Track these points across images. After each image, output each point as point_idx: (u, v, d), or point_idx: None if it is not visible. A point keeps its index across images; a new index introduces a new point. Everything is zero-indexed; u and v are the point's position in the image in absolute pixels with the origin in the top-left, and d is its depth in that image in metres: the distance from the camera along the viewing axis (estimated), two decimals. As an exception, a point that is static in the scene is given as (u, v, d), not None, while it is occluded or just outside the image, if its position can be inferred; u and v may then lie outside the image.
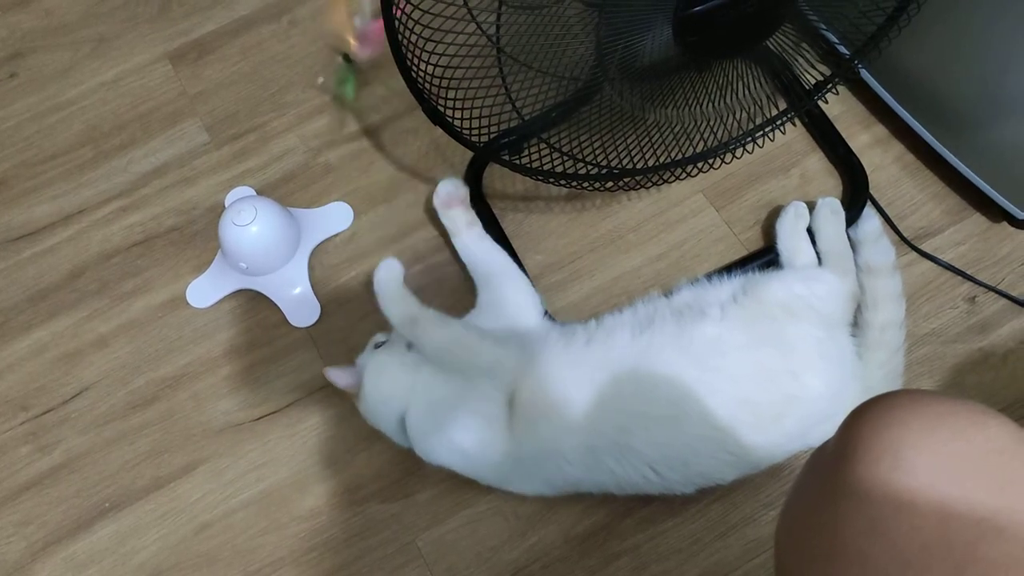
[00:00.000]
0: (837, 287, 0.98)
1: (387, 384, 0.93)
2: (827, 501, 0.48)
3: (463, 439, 0.90)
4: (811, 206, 1.07)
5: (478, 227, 1.08)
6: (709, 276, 0.99)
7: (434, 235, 1.14)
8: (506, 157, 0.99)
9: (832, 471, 0.48)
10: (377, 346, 0.96)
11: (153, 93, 1.26)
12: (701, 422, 0.87)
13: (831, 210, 1.05)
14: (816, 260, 1.04)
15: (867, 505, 0.45)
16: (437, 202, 1.08)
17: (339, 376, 0.96)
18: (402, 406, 0.92)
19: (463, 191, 1.08)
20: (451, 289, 1.09)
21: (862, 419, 0.48)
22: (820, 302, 0.94)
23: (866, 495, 0.45)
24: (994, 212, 1.10)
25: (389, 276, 0.94)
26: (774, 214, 1.12)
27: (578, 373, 0.90)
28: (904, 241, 1.10)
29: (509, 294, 1.02)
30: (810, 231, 1.06)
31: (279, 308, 1.09)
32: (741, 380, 0.89)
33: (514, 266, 1.05)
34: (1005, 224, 1.10)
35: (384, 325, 0.95)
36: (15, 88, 1.27)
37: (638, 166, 0.98)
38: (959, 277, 1.08)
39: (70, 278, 1.14)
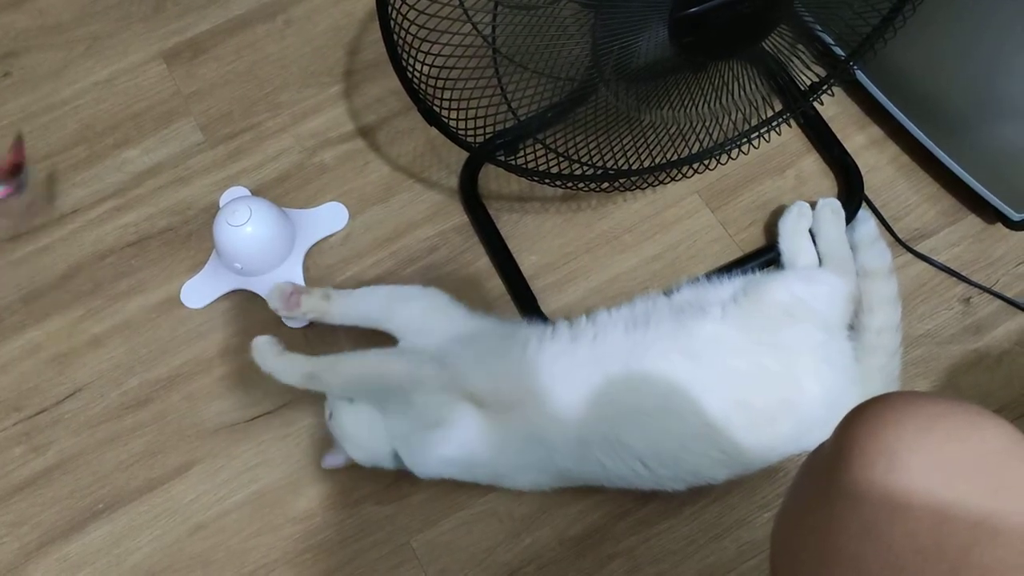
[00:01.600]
0: (838, 289, 0.97)
1: (362, 440, 0.93)
2: (822, 503, 0.48)
3: (444, 450, 0.90)
4: (810, 206, 1.07)
5: (333, 290, 1.01)
6: (709, 276, 0.98)
7: (429, 235, 1.14)
8: (502, 158, 0.98)
9: (827, 473, 0.48)
10: (330, 416, 0.95)
11: (147, 92, 1.26)
12: (693, 419, 0.87)
13: (832, 210, 1.05)
14: (817, 261, 1.04)
15: (862, 508, 0.45)
16: (283, 312, 1.00)
17: (334, 460, 0.97)
18: (387, 447, 0.93)
19: (289, 285, 1.00)
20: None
21: (857, 421, 0.48)
22: (821, 304, 0.94)
23: (861, 497, 0.45)
24: (989, 213, 1.10)
25: (265, 350, 0.93)
26: (770, 215, 1.12)
27: (564, 366, 0.90)
28: (899, 242, 1.10)
29: (416, 311, 0.99)
30: (810, 232, 1.06)
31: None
32: (738, 380, 0.89)
33: (394, 287, 1.04)
34: (1000, 225, 1.10)
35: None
36: (9, 87, 1.27)
37: (633, 167, 0.98)
38: (954, 278, 1.08)
39: (64, 278, 1.13)
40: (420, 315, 0.99)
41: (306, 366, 0.91)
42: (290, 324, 1.06)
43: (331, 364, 0.92)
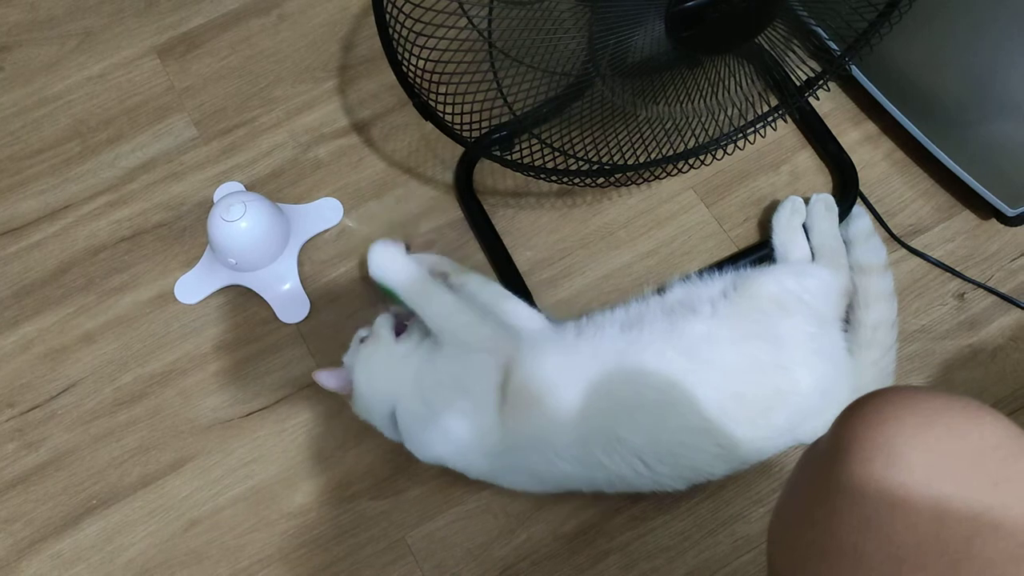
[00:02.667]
0: (829, 282, 0.98)
1: (378, 377, 0.93)
2: (821, 498, 0.48)
3: (455, 425, 0.89)
4: (804, 202, 1.07)
5: (450, 265, 1.04)
6: (701, 273, 0.99)
7: (424, 231, 1.13)
8: (497, 153, 0.98)
9: (826, 468, 0.48)
10: (362, 341, 0.96)
11: (141, 87, 1.25)
12: (690, 414, 0.87)
13: (825, 206, 1.06)
14: (811, 255, 1.04)
15: (861, 502, 0.45)
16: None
17: (328, 378, 0.95)
18: (392, 399, 0.92)
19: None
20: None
21: (856, 415, 0.48)
22: (812, 297, 0.94)
23: (860, 492, 0.45)
24: (983, 209, 1.10)
25: (387, 249, 0.98)
26: (764, 210, 1.12)
27: (568, 364, 0.90)
28: (894, 238, 1.10)
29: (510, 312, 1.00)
30: (804, 227, 1.06)
31: (268, 304, 1.09)
32: (730, 373, 0.89)
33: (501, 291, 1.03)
34: (994, 221, 1.11)
35: (371, 320, 0.94)
36: (1, 82, 1.26)
37: (629, 162, 0.98)
38: (948, 274, 1.08)
39: (56, 274, 1.13)
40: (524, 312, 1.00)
41: (424, 273, 0.97)
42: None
43: (442, 290, 0.96)
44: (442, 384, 0.91)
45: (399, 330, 0.96)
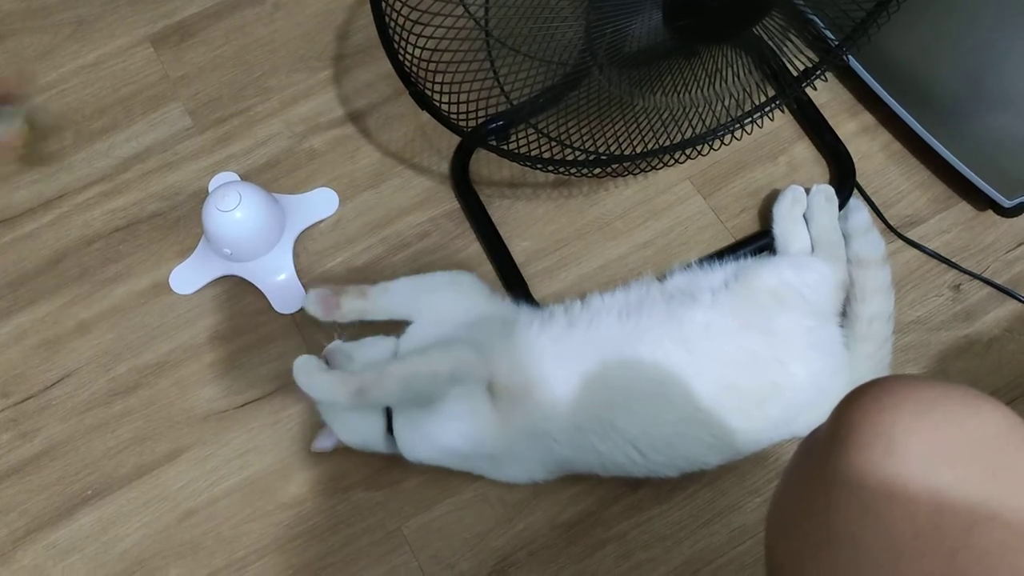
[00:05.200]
0: (828, 276, 0.98)
1: (354, 424, 0.93)
2: (819, 487, 0.48)
3: (452, 437, 0.90)
4: (805, 192, 1.07)
5: (370, 287, 0.97)
6: (701, 262, 0.98)
7: (420, 221, 1.13)
8: (493, 142, 0.98)
9: (824, 457, 0.48)
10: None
11: (135, 76, 1.24)
12: (685, 403, 0.87)
13: (825, 197, 1.05)
14: (810, 247, 1.04)
15: (860, 491, 0.45)
16: (323, 317, 0.96)
17: (325, 442, 0.96)
18: (379, 426, 0.91)
19: (327, 289, 0.96)
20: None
21: (854, 404, 0.48)
22: (810, 291, 0.94)
23: (859, 481, 0.45)
24: (980, 200, 1.10)
25: (309, 369, 0.87)
26: (761, 201, 1.12)
27: (562, 351, 0.90)
28: (890, 229, 1.10)
29: (448, 298, 0.97)
30: (804, 217, 1.06)
31: (263, 294, 1.08)
32: (726, 364, 0.89)
33: (431, 275, 0.99)
34: (990, 212, 1.11)
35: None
36: (-6, 71, 1.25)
37: (626, 152, 0.98)
38: (944, 265, 1.08)
39: (51, 264, 1.12)
40: (455, 302, 0.97)
41: (354, 383, 0.86)
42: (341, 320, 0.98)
43: (378, 376, 0.86)
44: (424, 412, 0.89)
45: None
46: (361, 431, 0.93)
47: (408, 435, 0.91)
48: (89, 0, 1.30)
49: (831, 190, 1.06)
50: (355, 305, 0.95)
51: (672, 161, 1.01)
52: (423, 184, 1.16)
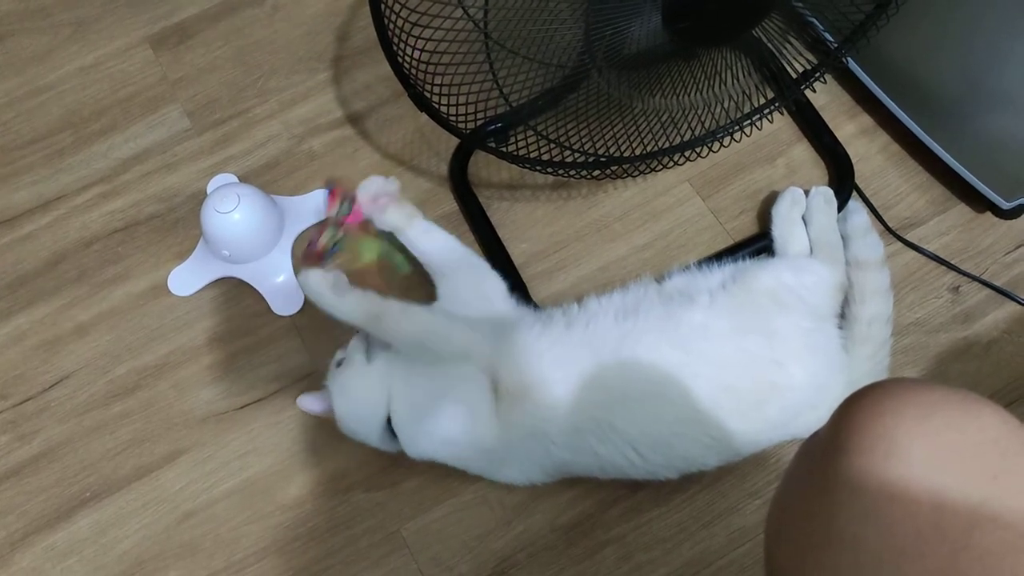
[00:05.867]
0: (826, 278, 0.98)
1: (358, 399, 0.91)
2: (820, 490, 0.48)
3: (453, 429, 0.89)
4: (804, 193, 1.07)
5: (420, 218, 1.00)
6: (700, 263, 0.99)
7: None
8: (492, 144, 0.98)
9: (825, 460, 0.48)
10: (339, 364, 0.93)
11: (133, 78, 1.24)
12: (683, 405, 0.87)
13: (824, 199, 1.05)
14: (809, 249, 1.04)
15: (861, 494, 0.45)
16: (367, 207, 0.96)
17: (312, 403, 0.94)
18: (381, 413, 0.90)
19: (392, 186, 0.99)
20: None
21: (855, 407, 0.48)
22: (809, 292, 0.94)
23: (860, 484, 0.45)
24: (978, 202, 1.10)
25: (321, 285, 0.86)
26: (760, 203, 1.12)
27: (560, 354, 0.90)
28: (889, 231, 1.10)
29: (471, 281, 0.99)
30: (803, 218, 1.06)
31: (262, 296, 1.08)
32: (724, 366, 0.89)
33: (471, 253, 1.02)
34: (989, 214, 1.11)
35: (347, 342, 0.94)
36: (-8, 72, 1.25)
37: (625, 154, 0.98)
38: (943, 267, 1.08)
39: (49, 265, 1.12)
40: (475, 289, 0.98)
41: (373, 305, 0.87)
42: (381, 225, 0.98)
43: (401, 311, 0.88)
44: (433, 393, 0.90)
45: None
46: (362, 412, 0.91)
47: (408, 425, 0.91)
48: (88, 2, 1.30)
49: (830, 192, 1.06)
50: (399, 220, 0.98)
51: (671, 163, 1.01)
52: (422, 186, 1.16)
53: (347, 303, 0.87)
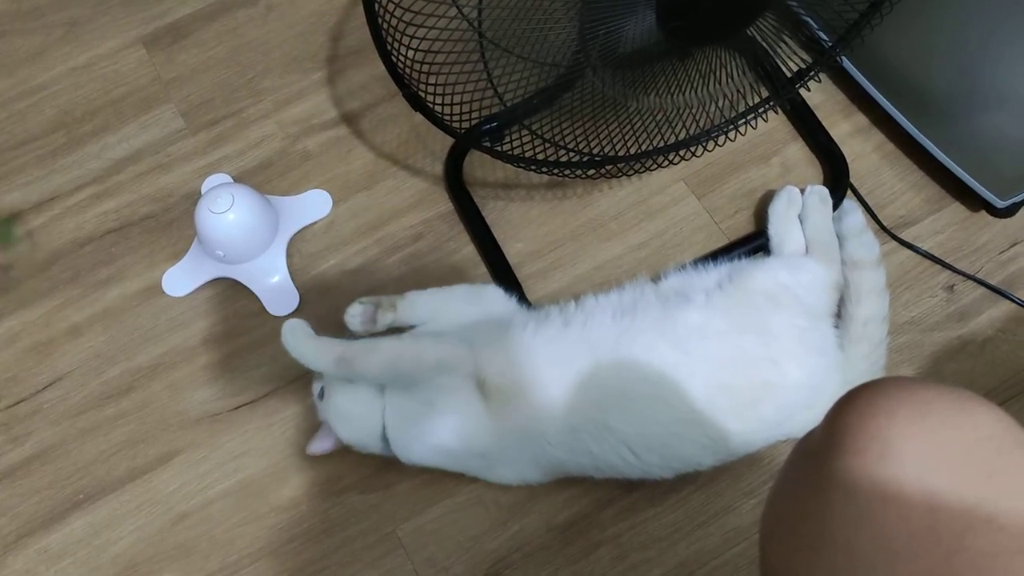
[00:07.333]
0: (822, 277, 0.98)
1: (356, 420, 0.92)
2: (814, 490, 0.48)
3: (444, 437, 0.89)
4: (800, 192, 1.07)
5: (403, 299, 0.99)
6: (696, 262, 0.98)
7: (414, 223, 1.13)
8: (487, 144, 0.98)
9: (819, 460, 0.48)
10: (320, 394, 0.93)
11: (127, 78, 1.24)
12: (679, 404, 0.87)
13: (819, 198, 1.05)
14: (805, 247, 1.04)
15: (854, 495, 0.45)
16: (361, 329, 0.98)
17: (321, 444, 0.96)
18: (378, 426, 0.91)
19: (369, 307, 0.98)
20: (433, 277, 1.08)
21: (848, 407, 0.48)
22: (804, 291, 0.94)
23: (853, 485, 0.45)
24: (973, 201, 1.11)
25: (297, 333, 0.87)
26: (755, 202, 1.12)
27: (556, 352, 0.90)
28: (884, 230, 1.10)
29: (469, 299, 1.00)
30: (799, 217, 1.06)
31: (257, 297, 1.08)
32: (720, 365, 0.89)
33: (459, 286, 1.02)
34: (984, 213, 1.11)
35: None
36: (-15, 72, 1.25)
37: (620, 153, 0.98)
38: (938, 266, 1.08)
39: (43, 266, 1.12)
40: (471, 315, 0.98)
41: (338, 350, 0.87)
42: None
43: (366, 349, 0.88)
44: (420, 407, 0.90)
45: None
46: (360, 428, 0.92)
47: (401, 435, 0.91)
48: (81, 2, 1.29)
49: (825, 191, 1.06)
50: (387, 318, 0.98)
51: (666, 162, 1.01)
52: (417, 186, 1.15)
53: (313, 350, 0.87)
